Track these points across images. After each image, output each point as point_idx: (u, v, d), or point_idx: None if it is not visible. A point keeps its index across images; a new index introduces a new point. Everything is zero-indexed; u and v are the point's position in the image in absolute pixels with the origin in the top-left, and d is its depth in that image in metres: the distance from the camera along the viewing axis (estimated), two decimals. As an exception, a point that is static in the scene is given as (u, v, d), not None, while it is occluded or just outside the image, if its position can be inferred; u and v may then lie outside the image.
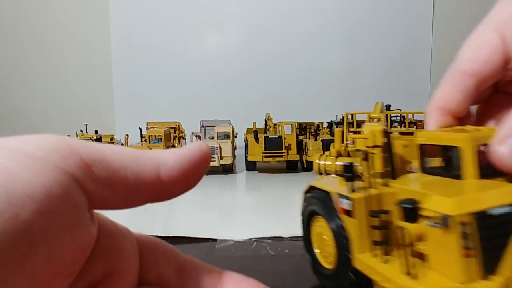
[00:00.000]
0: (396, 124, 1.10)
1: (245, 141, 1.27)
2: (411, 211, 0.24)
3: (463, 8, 1.94)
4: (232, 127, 1.22)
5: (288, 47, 1.96)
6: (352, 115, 1.04)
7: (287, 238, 0.55)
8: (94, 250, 0.13)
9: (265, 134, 1.15)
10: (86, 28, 1.97)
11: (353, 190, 0.32)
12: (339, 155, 0.50)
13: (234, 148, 1.18)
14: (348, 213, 0.32)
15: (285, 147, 1.13)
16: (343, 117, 1.26)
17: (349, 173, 0.33)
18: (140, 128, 1.26)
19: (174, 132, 1.32)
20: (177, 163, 0.14)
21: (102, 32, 1.97)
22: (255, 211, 0.76)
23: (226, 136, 1.17)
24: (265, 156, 1.12)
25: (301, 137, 1.25)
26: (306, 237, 0.41)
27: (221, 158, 1.12)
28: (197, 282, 0.15)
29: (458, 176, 0.27)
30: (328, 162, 0.51)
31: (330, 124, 1.25)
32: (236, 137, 1.25)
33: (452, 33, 1.95)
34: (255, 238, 0.54)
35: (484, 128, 0.30)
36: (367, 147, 0.33)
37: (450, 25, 1.95)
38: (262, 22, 1.96)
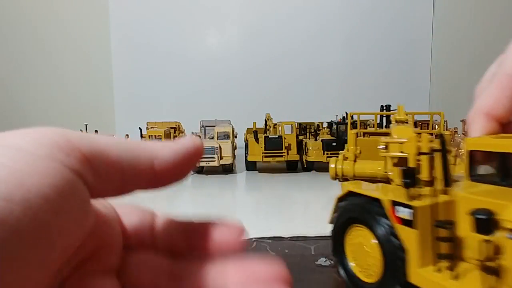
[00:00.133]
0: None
1: (245, 141, 1.27)
2: (487, 222, 0.22)
3: (463, 8, 1.94)
4: (232, 127, 1.22)
5: (288, 47, 1.96)
6: (353, 115, 1.03)
7: (287, 238, 0.55)
8: None
9: (265, 134, 1.15)
10: (86, 28, 1.97)
11: (412, 198, 0.29)
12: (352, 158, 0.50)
13: (234, 148, 1.18)
14: (406, 222, 0.29)
15: (285, 147, 1.13)
16: (343, 117, 1.26)
17: (408, 179, 0.29)
18: (140, 128, 1.26)
19: (174, 132, 1.32)
20: (170, 155, 0.14)
21: (102, 32, 1.97)
22: (255, 211, 0.76)
23: (226, 136, 1.17)
24: (265, 156, 1.12)
25: (301, 137, 1.25)
26: (339, 249, 0.37)
27: (221, 158, 1.12)
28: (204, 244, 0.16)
29: None
30: (342, 166, 0.50)
31: (330, 124, 1.25)
32: (236, 137, 1.25)
33: (452, 33, 1.95)
34: (255, 238, 0.54)
35: None
36: (406, 153, 0.31)
37: (450, 25, 1.95)
38: (262, 22, 1.96)
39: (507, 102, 0.29)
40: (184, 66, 1.96)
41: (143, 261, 0.16)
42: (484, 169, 0.28)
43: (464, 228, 0.25)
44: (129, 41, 1.97)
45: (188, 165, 0.15)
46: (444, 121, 1.06)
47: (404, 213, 0.29)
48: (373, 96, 1.80)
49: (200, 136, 1.27)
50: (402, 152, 0.32)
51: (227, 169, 1.17)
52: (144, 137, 1.21)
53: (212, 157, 1.10)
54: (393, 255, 0.30)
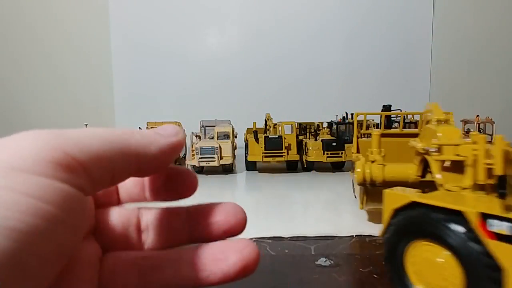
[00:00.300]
0: (396, 124, 1.10)
1: (245, 141, 1.27)
2: None
3: (463, 8, 1.94)
4: (232, 127, 1.22)
5: (288, 47, 1.96)
6: (354, 115, 1.02)
7: (287, 238, 0.55)
8: None
9: (265, 134, 1.15)
10: (86, 28, 1.97)
11: (508, 209, 0.26)
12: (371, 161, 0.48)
13: (234, 148, 1.18)
14: (502, 238, 0.25)
15: (285, 147, 1.13)
16: (343, 117, 1.26)
17: (503, 189, 0.26)
18: (140, 128, 1.25)
19: (174, 132, 1.31)
20: (156, 153, 0.15)
21: (102, 32, 1.97)
22: (255, 211, 0.76)
23: (226, 136, 1.17)
24: (265, 156, 1.12)
25: (301, 137, 1.25)
26: (397, 268, 0.32)
27: (221, 158, 1.12)
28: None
29: None
30: (370, 170, 0.47)
31: (330, 124, 1.25)
32: (236, 137, 1.25)
33: (452, 33, 1.95)
34: (255, 238, 0.54)
35: None
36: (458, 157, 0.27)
37: (450, 25, 1.95)
38: (262, 22, 1.96)
39: None
40: (184, 66, 1.96)
41: (115, 215, 0.17)
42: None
43: None
44: (129, 41, 1.97)
45: (170, 160, 0.16)
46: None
47: (501, 227, 0.25)
48: (373, 96, 1.80)
49: (200, 137, 1.27)
50: (458, 155, 0.30)
51: (227, 169, 1.17)
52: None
53: (212, 157, 1.10)
54: (483, 276, 0.26)
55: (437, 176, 0.31)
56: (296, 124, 1.21)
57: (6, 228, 0.10)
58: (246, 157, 1.20)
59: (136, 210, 0.17)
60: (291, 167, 1.19)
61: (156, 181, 0.17)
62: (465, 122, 1.14)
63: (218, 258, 0.15)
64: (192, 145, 1.15)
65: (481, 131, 1.09)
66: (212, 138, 1.19)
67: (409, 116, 1.16)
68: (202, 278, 0.15)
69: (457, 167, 0.30)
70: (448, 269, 0.28)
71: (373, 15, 1.96)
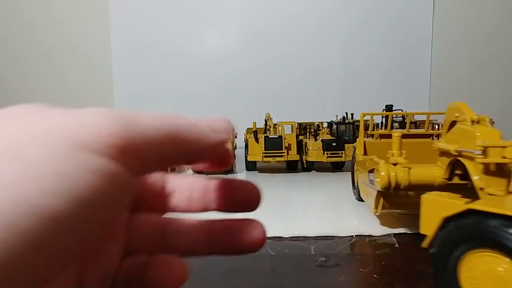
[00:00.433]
0: (396, 124, 1.10)
1: (245, 141, 1.27)
2: None
3: (463, 8, 1.94)
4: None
5: (288, 47, 1.96)
6: (361, 115, 1.02)
7: (287, 238, 0.55)
8: None
9: (265, 134, 1.15)
10: (86, 28, 1.97)
11: None
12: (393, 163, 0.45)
13: (234, 148, 1.18)
14: None
15: (285, 147, 1.13)
16: (343, 117, 1.26)
17: None
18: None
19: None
20: (205, 148, 0.15)
21: (102, 32, 1.97)
22: (255, 211, 0.76)
23: (226, 136, 1.17)
24: (265, 156, 1.12)
25: (301, 137, 1.25)
26: (450, 283, 0.29)
27: (221, 158, 1.12)
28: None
29: None
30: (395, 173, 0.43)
31: (330, 124, 1.25)
32: (236, 137, 1.25)
33: (452, 33, 1.95)
34: (255, 238, 0.54)
35: None
36: None
37: (450, 25, 1.95)
38: (262, 22, 1.96)
39: None
40: (184, 66, 1.96)
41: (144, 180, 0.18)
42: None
43: None
44: (129, 41, 1.97)
45: (214, 153, 0.17)
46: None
47: None
48: (373, 96, 1.80)
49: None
50: (504, 157, 0.28)
51: (227, 169, 1.16)
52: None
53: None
54: None
55: (476, 179, 0.29)
56: (296, 124, 1.21)
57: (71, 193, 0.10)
58: (246, 157, 1.20)
59: (162, 175, 0.18)
60: (291, 167, 1.19)
61: (224, 192, 0.18)
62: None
63: (239, 231, 0.17)
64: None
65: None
66: (212, 138, 1.19)
67: (409, 116, 1.16)
68: (218, 248, 0.17)
69: (501, 170, 0.28)
70: None
71: (373, 15, 1.96)
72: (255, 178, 1.11)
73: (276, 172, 1.17)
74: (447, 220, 0.29)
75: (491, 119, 1.07)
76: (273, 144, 1.12)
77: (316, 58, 1.96)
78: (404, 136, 0.58)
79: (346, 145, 1.11)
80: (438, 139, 0.87)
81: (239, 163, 1.25)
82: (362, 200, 0.74)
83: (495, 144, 0.29)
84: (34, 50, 1.98)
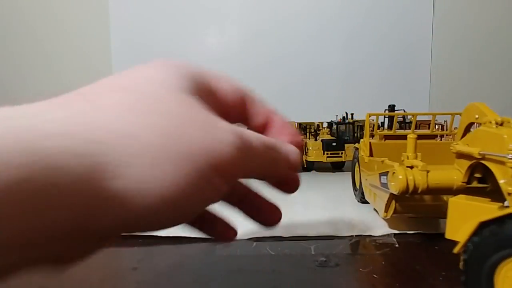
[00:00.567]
0: (397, 125, 1.10)
1: (245, 141, 1.27)
2: None
3: (463, 8, 1.94)
4: (232, 127, 1.22)
5: (288, 47, 1.96)
6: (366, 115, 1.01)
7: (287, 238, 0.55)
8: None
9: (265, 134, 1.15)
10: (86, 28, 1.97)
11: None
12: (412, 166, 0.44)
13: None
14: None
15: (285, 147, 1.12)
16: (343, 117, 1.26)
17: None
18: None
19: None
20: (275, 168, 0.19)
21: (102, 32, 1.97)
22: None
23: (226, 136, 1.17)
24: (265, 156, 1.12)
25: (301, 137, 1.25)
26: None
27: (221, 158, 1.11)
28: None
29: None
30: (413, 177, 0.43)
31: (330, 124, 1.25)
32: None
33: (452, 33, 1.95)
34: (255, 238, 0.54)
35: None
36: None
37: (450, 25, 1.95)
38: (262, 22, 1.96)
39: None
40: (184, 66, 1.96)
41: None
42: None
43: None
44: (129, 41, 1.97)
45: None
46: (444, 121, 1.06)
47: None
48: (373, 96, 1.80)
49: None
50: None
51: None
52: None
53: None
54: None
55: (503, 182, 0.27)
56: (296, 124, 1.21)
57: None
58: (246, 157, 1.20)
59: None
60: (291, 167, 1.19)
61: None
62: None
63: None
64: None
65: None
66: (212, 138, 1.19)
67: (409, 117, 1.16)
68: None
69: None
70: None
71: (373, 15, 1.96)
72: (255, 178, 1.11)
73: (276, 172, 1.17)
74: (482, 226, 0.27)
75: None
76: (273, 144, 1.12)
77: (316, 58, 1.96)
78: (404, 137, 0.58)
79: (346, 145, 1.10)
80: (441, 139, 0.87)
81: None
82: (365, 202, 0.73)
83: None
84: (34, 50, 1.98)
